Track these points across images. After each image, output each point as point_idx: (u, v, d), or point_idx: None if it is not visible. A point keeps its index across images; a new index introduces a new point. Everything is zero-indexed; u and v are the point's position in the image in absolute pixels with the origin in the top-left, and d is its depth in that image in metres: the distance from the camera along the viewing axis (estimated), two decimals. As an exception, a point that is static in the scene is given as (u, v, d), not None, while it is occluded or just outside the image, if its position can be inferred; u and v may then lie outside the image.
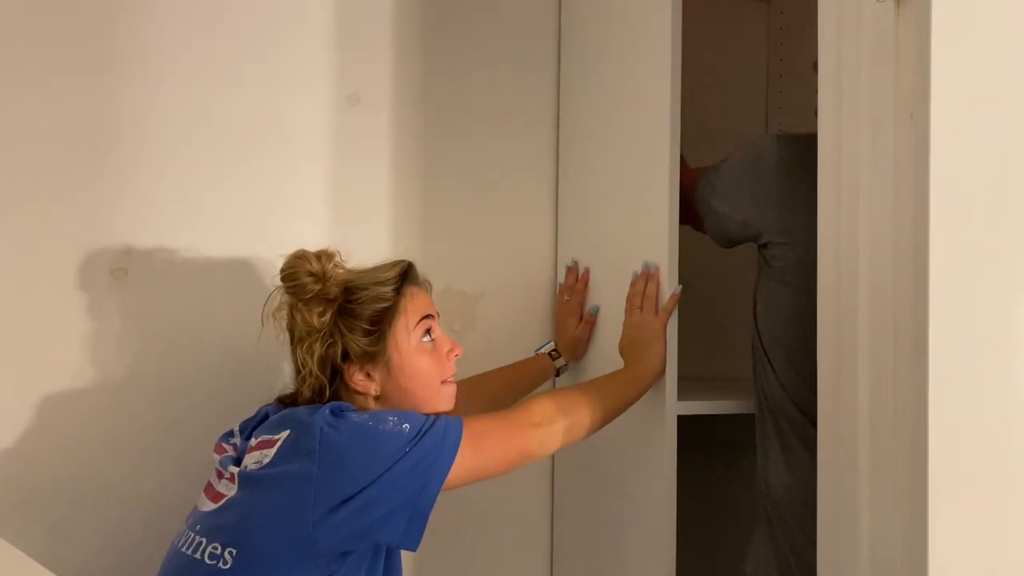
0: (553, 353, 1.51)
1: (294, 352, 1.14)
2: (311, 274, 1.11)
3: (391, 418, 1.05)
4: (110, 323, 1.35)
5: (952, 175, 0.91)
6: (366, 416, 1.06)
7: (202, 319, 1.39)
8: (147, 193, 1.37)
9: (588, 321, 1.51)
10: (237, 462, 1.10)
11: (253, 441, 1.10)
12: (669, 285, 1.32)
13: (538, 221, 1.64)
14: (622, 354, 1.35)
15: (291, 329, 1.15)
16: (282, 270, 1.14)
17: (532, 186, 1.64)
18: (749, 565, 1.35)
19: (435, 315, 1.18)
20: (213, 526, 1.05)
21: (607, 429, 1.25)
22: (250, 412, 1.20)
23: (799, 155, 1.22)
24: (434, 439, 1.04)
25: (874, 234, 0.99)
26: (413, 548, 1.04)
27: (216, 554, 1.02)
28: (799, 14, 1.87)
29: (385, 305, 1.13)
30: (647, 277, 1.34)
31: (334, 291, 1.12)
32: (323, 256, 1.13)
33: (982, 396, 0.92)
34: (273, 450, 1.05)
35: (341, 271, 1.15)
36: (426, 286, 1.21)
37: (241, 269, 1.40)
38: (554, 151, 1.65)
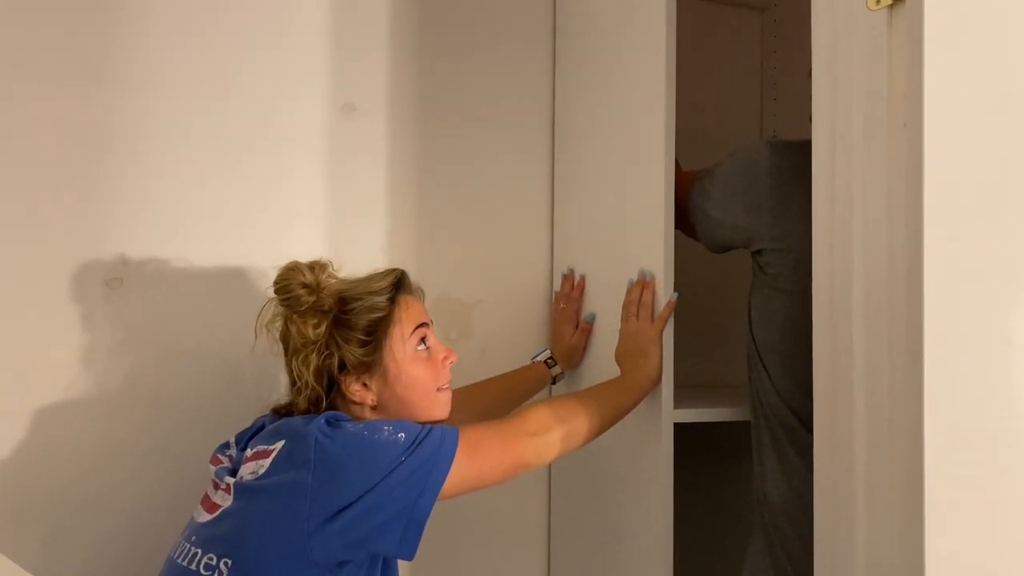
0: (549, 361, 1.51)
1: (289, 363, 1.14)
2: (305, 286, 1.11)
3: (386, 427, 1.05)
4: (105, 333, 1.34)
5: (946, 183, 0.91)
6: (361, 426, 1.05)
7: (197, 329, 1.39)
8: (142, 202, 1.37)
9: (584, 329, 1.51)
10: (233, 473, 1.10)
11: (249, 452, 1.10)
12: (665, 293, 1.32)
13: (534, 229, 1.64)
14: (618, 362, 1.35)
15: (285, 341, 1.14)
16: (275, 282, 1.14)
17: (528, 194, 1.64)
18: (746, 574, 1.34)
19: (429, 323, 1.18)
20: (209, 537, 1.05)
21: (604, 437, 1.24)
22: (246, 423, 1.20)
23: (792, 162, 1.23)
24: (430, 448, 1.04)
25: (868, 242, 0.99)
26: (409, 557, 1.04)
27: (212, 565, 1.02)
28: (793, 22, 1.88)
29: (380, 315, 1.13)
30: (643, 285, 1.34)
31: (328, 302, 1.12)
32: (316, 267, 1.13)
33: (978, 402, 0.92)
34: (268, 460, 1.05)
35: (334, 281, 1.15)
36: (419, 294, 1.21)
37: (236, 279, 1.40)
38: (549, 159, 1.66)
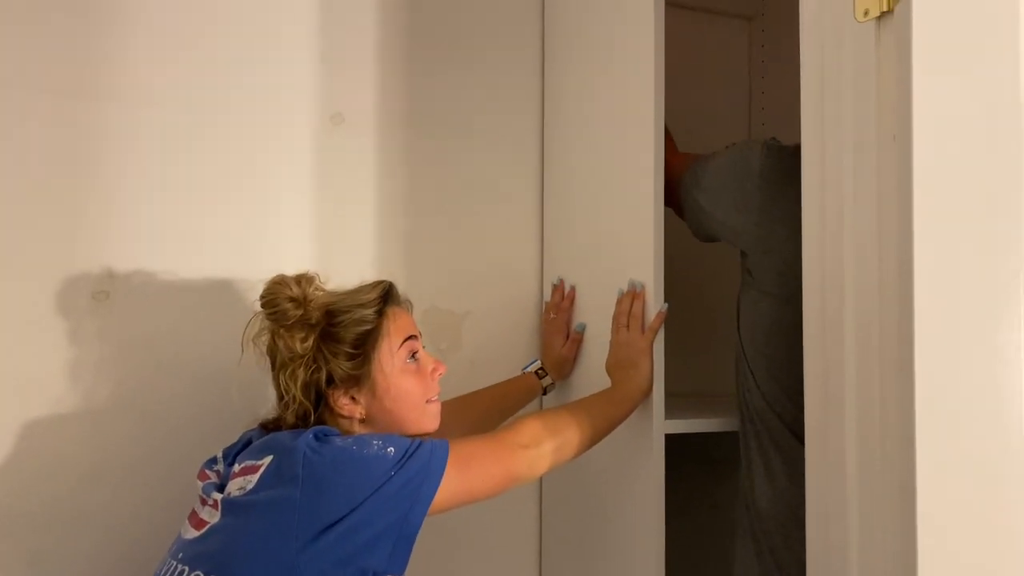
0: (540, 371, 1.50)
1: (276, 378, 1.13)
2: (292, 299, 1.10)
3: (375, 442, 1.04)
4: (91, 347, 1.33)
5: (935, 195, 0.91)
6: (350, 440, 1.04)
7: (184, 343, 1.37)
8: (129, 215, 1.36)
9: (574, 339, 1.50)
10: (220, 488, 1.09)
11: (236, 467, 1.09)
12: (655, 303, 1.31)
13: (523, 239, 1.64)
14: (609, 373, 1.34)
15: (272, 355, 1.13)
16: (262, 296, 1.13)
17: (517, 204, 1.64)
18: (737, 582, 1.34)
19: (418, 335, 1.18)
20: (196, 554, 1.04)
21: (595, 449, 1.24)
22: (233, 437, 1.19)
23: (784, 165, 1.22)
24: (419, 462, 1.03)
25: (859, 252, 0.99)
26: (399, 574, 1.03)
27: (199, 582, 1.00)
28: (781, 31, 1.88)
29: (368, 328, 1.12)
30: (633, 296, 1.34)
31: (315, 315, 1.11)
32: (303, 280, 1.13)
33: (971, 413, 0.91)
34: (256, 476, 1.04)
35: (322, 294, 1.14)
36: (407, 306, 1.21)
37: (223, 292, 1.39)
38: (539, 169, 1.65)
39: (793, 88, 1.85)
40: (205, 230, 1.40)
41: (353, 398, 1.12)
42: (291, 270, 1.16)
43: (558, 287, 1.56)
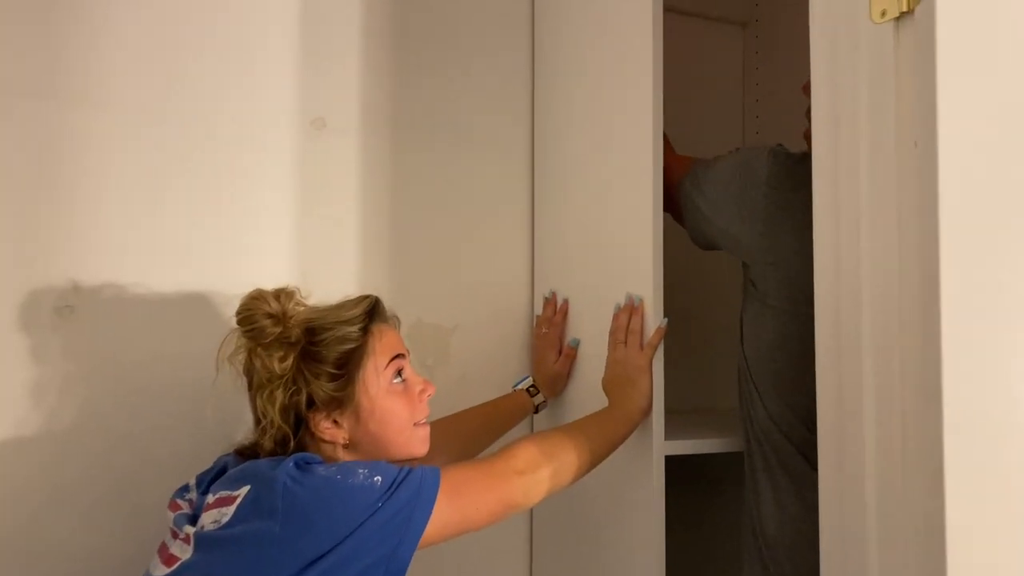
0: (531, 389, 1.44)
1: (253, 400, 1.05)
2: (270, 316, 1.03)
3: (361, 470, 0.96)
4: (54, 365, 1.24)
5: (962, 204, 0.85)
6: (334, 468, 0.97)
7: (155, 361, 1.29)
8: (96, 224, 1.28)
9: (568, 355, 1.44)
10: (193, 520, 1.01)
11: (211, 497, 1.01)
12: (654, 318, 1.25)
13: (514, 249, 1.57)
14: (606, 391, 1.28)
15: (249, 375, 1.06)
16: (238, 312, 1.05)
17: (507, 213, 1.57)
18: (743, 611, 1.28)
19: (405, 354, 1.10)
20: (166, 592, 0.96)
21: (591, 472, 1.17)
22: (207, 463, 1.11)
23: (792, 172, 1.17)
24: (408, 492, 0.96)
25: (878, 266, 0.93)
26: (387, 611, 0.95)
27: (169, 624, 0.93)
28: (776, 38, 1.84)
29: (352, 346, 1.05)
30: (630, 310, 1.27)
31: (295, 333, 1.03)
32: (282, 295, 1.05)
33: (1004, 432, 0.86)
34: (232, 508, 0.96)
35: (302, 310, 1.07)
36: (394, 322, 1.13)
37: (198, 306, 1.31)
38: (529, 176, 1.59)
39: (788, 95, 1.81)
40: (179, 240, 1.32)
41: (336, 422, 1.04)
42: (270, 283, 1.09)
43: (550, 300, 1.49)
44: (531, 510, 1.55)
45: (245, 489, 0.97)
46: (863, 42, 0.96)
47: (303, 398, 1.03)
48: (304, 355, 1.04)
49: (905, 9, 0.91)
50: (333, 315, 1.07)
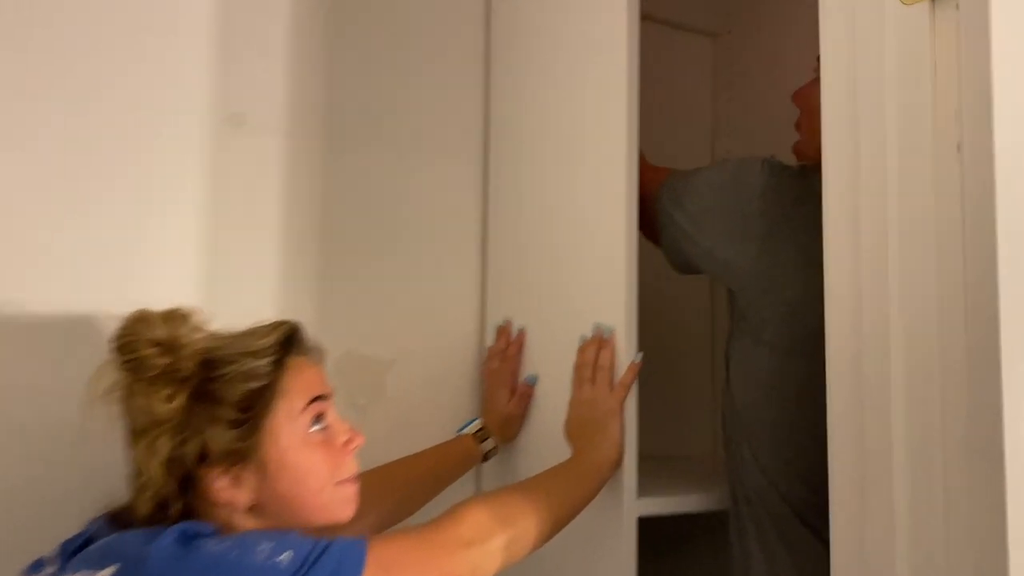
0: (480, 433, 1.23)
1: (130, 449, 0.83)
2: (156, 344, 0.81)
3: (264, 544, 0.75)
4: None
5: (1021, 218, 0.69)
6: (228, 543, 0.75)
7: (19, 397, 1.06)
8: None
9: (523, 394, 1.24)
10: (46, 606, 0.78)
11: (69, 576, 0.78)
12: (627, 352, 1.07)
13: (463, 270, 1.37)
14: (569, 439, 1.09)
15: (127, 418, 0.84)
16: (116, 338, 0.84)
17: (456, 228, 1.37)
18: None
19: (329, 394, 0.89)
20: None
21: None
22: (76, 526, 0.88)
23: (789, 187, 1.00)
24: (325, 572, 0.75)
25: (910, 296, 0.76)
26: None
27: None
28: (747, 51, 1.70)
29: (260, 384, 0.84)
30: (599, 343, 1.09)
31: (188, 366, 0.82)
32: (173, 318, 0.84)
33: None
34: (93, 594, 0.74)
35: (200, 337, 0.85)
36: (317, 355, 0.93)
37: (74, 330, 1.08)
38: (482, 188, 1.40)
39: (760, 109, 1.66)
40: (60, 250, 1.10)
41: (236, 479, 0.83)
42: (168, 304, 0.88)
43: (504, 329, 1.30)
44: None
45: (109, 571, 0.75)
46: (889, 28, 0.81)
47: (194, 449, 0.81)
48: (198, 394, 0.82)
49: (944, -12, 0.75)
50: (238, 345, 0.86)
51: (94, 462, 0.99)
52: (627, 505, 1.04)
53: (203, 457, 0.81)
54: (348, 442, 0.89)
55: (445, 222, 1.35)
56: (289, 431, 0.85)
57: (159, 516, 0.80)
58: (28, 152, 1.09)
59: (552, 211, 1.23)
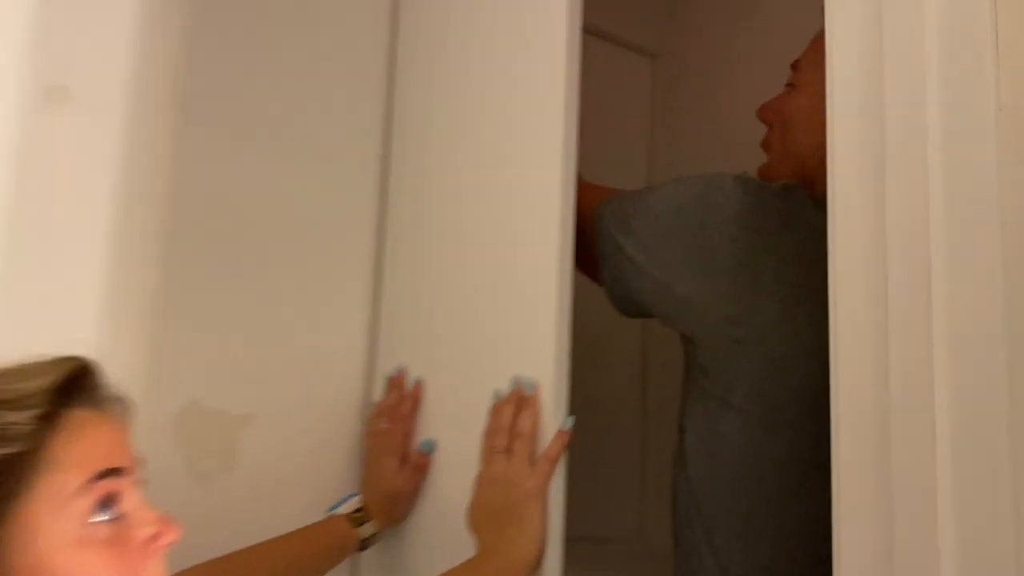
0: (358, 515, 0.96)
1: None
2: None
3: None
4: None
5: None
6: None
7: None
8: None
9: (417, 465, 0.98)
10: None
11: None
12: (554, 415, 0.82)
13: (347, 304, 1.10)
14: (474, 529, 0.83)
15: None
16: None
17: (341, 252, 1.10)
18: None
19: (127, 468, 0.61)
20: None
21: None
22: None
23: (771, 209, 0.78)
24: None
25: (966, 348, 0.54)
26: None
27: None
28: (687, 73, 1.52)
29: (12, 450, 0.55)
30: (518, 403, 0.84)
31: None
32: None
33: None
34: None
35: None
36: (116, 409, 0.64)
37: None
38: (378, 202, 1.13)
39: (700, 132, 1.48)
40: None
41: (-43, 600, 0.53)
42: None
43: (396, 381, 1.03)
44: None
45: None
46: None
47: None
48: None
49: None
50: (-8, 389, 0.57)
51: None
52: (549, 619, 0.79)
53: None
54: (153, 538, 0.60)
55: (329, 241, 1.08)
56: (55, 523, 0.56)
57: None
58: None
59: (465, 235, 0.99)
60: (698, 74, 1.49)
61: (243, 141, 1.04)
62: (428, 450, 0.97)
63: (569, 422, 0.82)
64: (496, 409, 0.86)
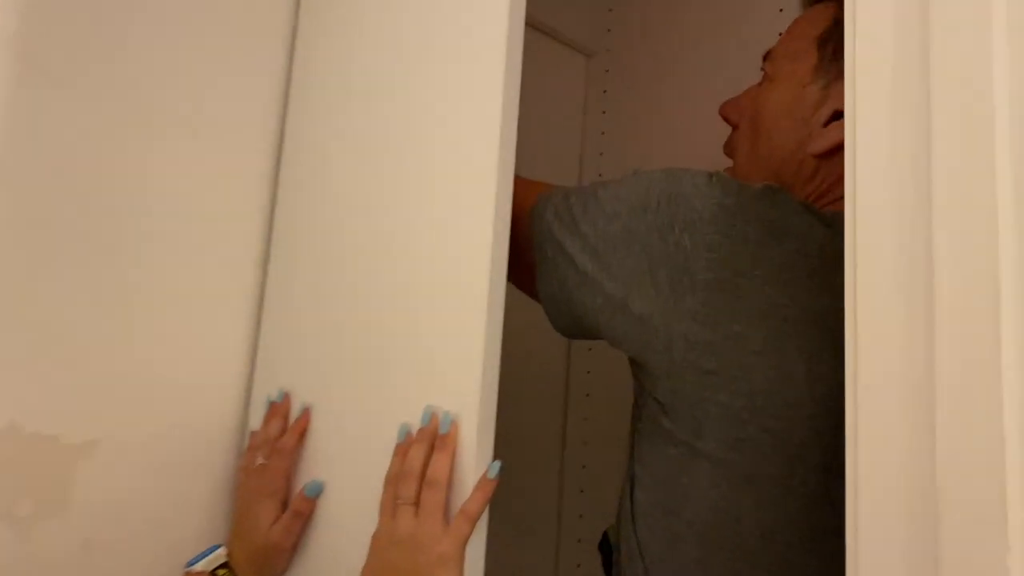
0: (222, 572, 0.77)
1: None
2: None
3: None
4: None
5: None
6: None
7: None
8: None
9: (298, 512, 0.79)
10: None
11: None
12: (477, 459, 0.65)
13: (221, 311, 0.90)
14: (369, 603, 0.65)
15: None
16: None
17: (217, 246, 0.91)
18: None
19: None
20: None
21: None
22: None
23: (755, 215, 0.64)
24: None
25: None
26: None
27: None
28: (622, 71, 1.40)
29: None
30: (430, 440, 0.67)
31: None
32: None
33: None
34: None
35: None
36: None
37: None
38: (267, 191, 0.95)
39: (637, 137, 1.36)
40: None
41: None
42: None
43: (279, 408, 0.84)
44: None
45: None
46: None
47: None
48: None
49: None
50: None
51: None
52: None
53: None
54: None
55: (203, 234, 0.88)
56: None
57: None
58: None
59: (371, 233, 0.81)
60: (636, 75, 1.37)
61: (102, 115, 0.83)
62: (314, 494, 0.78)
63: (495, 469, 0.65)
64: (403, 449, 0.68)
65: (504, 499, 0.97)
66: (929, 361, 0.44)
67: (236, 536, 0.80)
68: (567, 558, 1.25)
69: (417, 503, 0.66)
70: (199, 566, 0.77)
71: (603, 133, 1.38)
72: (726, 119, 0.86)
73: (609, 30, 1.42)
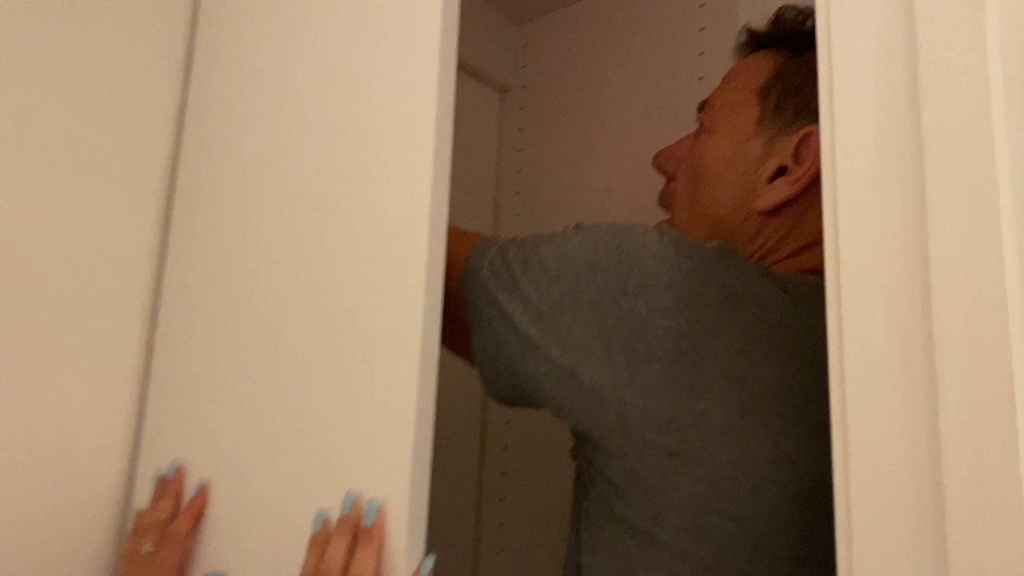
0: None
1: None
2: None
3: None
4: None
5: None
6: None
7: None
8: None
9: (194, 608, 0.68)
10: None
11: None
12: (407, 552, 0.57)
13: (103, 370, 0.79)
14: None
15: None
16: None
17: (97, 291, 0.79)
18: None
19: None
20: None
21: None
22: None
23: (714, 277, 0.58)
24: None
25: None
26: None
27: None
28: (539, 109, 1.35)
29: None
30: (352, 531, 0.59)
31: None
32: None
33: None
34: None
35: None
36: None
37: None
38: (160, 227, 0.84)
39: (555, 178, 1.32)
40: None
41: None
42: None
43: (170, 484, 0.73)
44: None
45: None
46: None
47: None
48: None
49: None
50: None
51: None
52: None
53: None
54: None
55: (78, 279, 0.77)
56: None
57: None
58: None
59: (284, 283, 0.72)
60: (553, 112, 1.32)
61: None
62: (212, 586, 0.68)
63: (428, 565, 0.57)
64: (320, 542, 0.59)
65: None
66: (932, 431, 0.40)
67: (116, 638, 0.69)
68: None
69: (333, 606, 0.57)
70: (70, 677, 0.65)
71: (519, 171, 1.33)
72: (660, 170, 0.82)
73: (525, 66, 1.37)
